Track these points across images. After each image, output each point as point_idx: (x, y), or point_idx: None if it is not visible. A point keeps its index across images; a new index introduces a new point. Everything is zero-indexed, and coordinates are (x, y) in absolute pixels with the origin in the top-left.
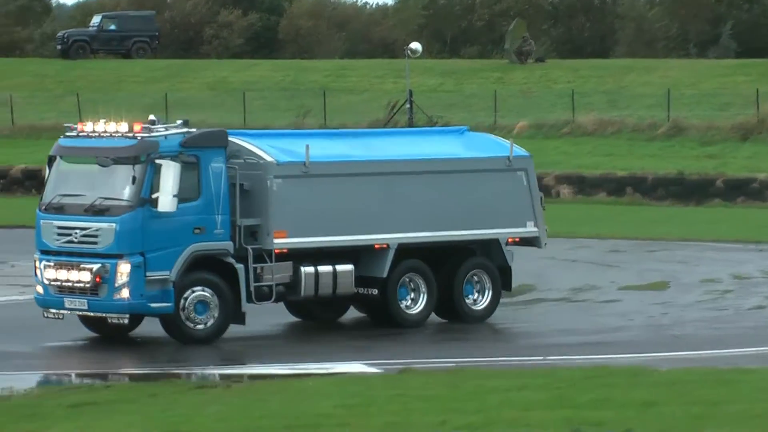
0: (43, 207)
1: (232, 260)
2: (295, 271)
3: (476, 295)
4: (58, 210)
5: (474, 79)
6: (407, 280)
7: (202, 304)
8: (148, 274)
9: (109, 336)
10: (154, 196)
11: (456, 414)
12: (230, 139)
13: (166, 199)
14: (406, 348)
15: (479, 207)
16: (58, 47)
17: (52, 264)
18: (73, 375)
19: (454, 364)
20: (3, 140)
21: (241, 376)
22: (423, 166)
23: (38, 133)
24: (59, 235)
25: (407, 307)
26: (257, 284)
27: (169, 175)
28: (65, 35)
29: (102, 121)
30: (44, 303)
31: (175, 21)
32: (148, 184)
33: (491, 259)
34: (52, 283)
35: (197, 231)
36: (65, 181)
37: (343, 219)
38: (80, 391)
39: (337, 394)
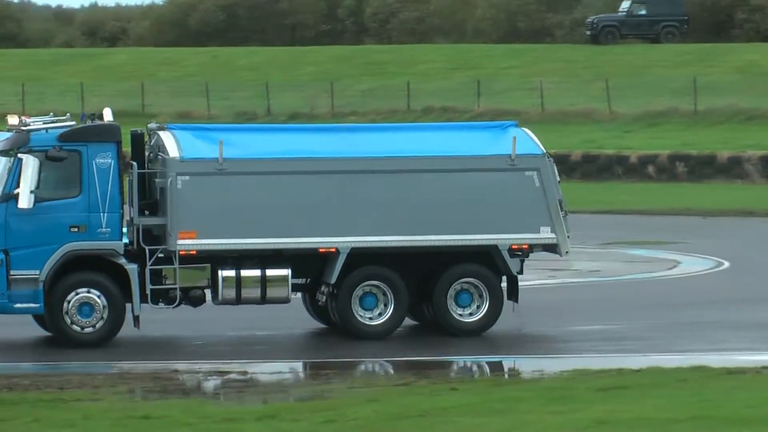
0: None
1: (123, 261)
2: (213, 274)
3: (472, 306)
4: None
5: None
6: (372, 288)
7: (88, 306)
8: (12, 272)
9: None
10: (15, 191)
11: None
12: (161, 133)
13: (24, 196)
14: None
15: (468, 210)
16: (587, 33)
17: None
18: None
19: None
20: (533, 126)
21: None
22: (385, 164)
23: (567, 119)
24: None
25: (372, 317)
26: (156, 287)
27: (28, 170)
28: (595, 20)
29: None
30: None
31: (705, 5)
32: (14, 178)
33: (490, 268)
34: None
35: (74, 229)
36: None
37: (273, 220)
38: (609, 376)
39: None
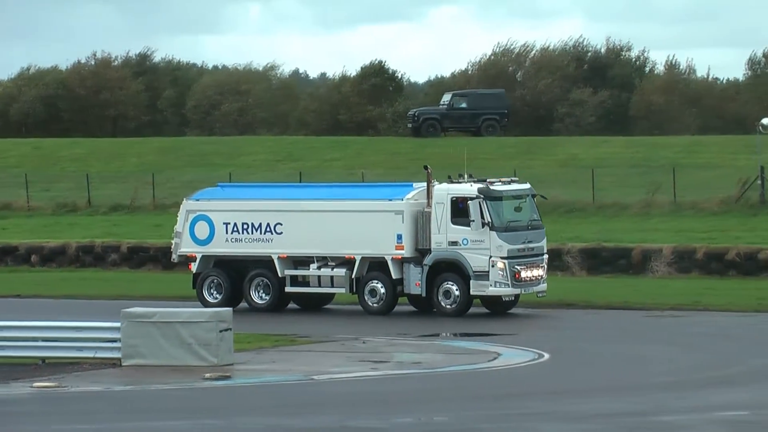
0: None
1: None
2: None
3: None
4: None
5: None
6: None
7: None
8: None
9: None
10: None
11: None
12: None
13: None
14: None
15: None
16: (409, 125)
17: None
18: None
19: None
20: None
21: None
22: None
23: None
24: None
25: None
26: None
27: None
28: (416, 113)
29: None
30: None
31: (525, 99)
32: None
33: None
34: None
35: None
36: None
37: None
38: None
39: None
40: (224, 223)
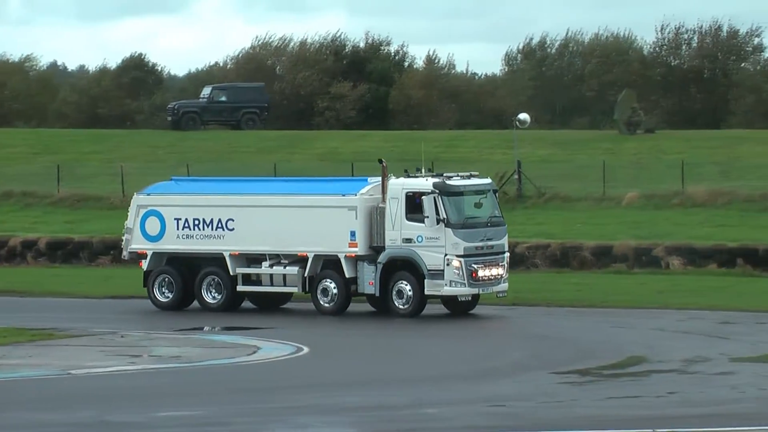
0: None
1: None
2: None
3: None
4: None
5: (584, 149)
6: None
7: None
8: None
9: None
10: None
11: None
12: None
13: None
14: None
15: None
16: (169, 118)
17: None
18: None
19: None
20: (115, 211)
21: None
22: None
23: None
24: None
25: None
26: None
27: None
28: (176, 106)
29: None
30: None
31: (285, 93)
32: None
33: None
34: None
35: None
36: None
37: None
38: None
39: None
40: (175, 219)
